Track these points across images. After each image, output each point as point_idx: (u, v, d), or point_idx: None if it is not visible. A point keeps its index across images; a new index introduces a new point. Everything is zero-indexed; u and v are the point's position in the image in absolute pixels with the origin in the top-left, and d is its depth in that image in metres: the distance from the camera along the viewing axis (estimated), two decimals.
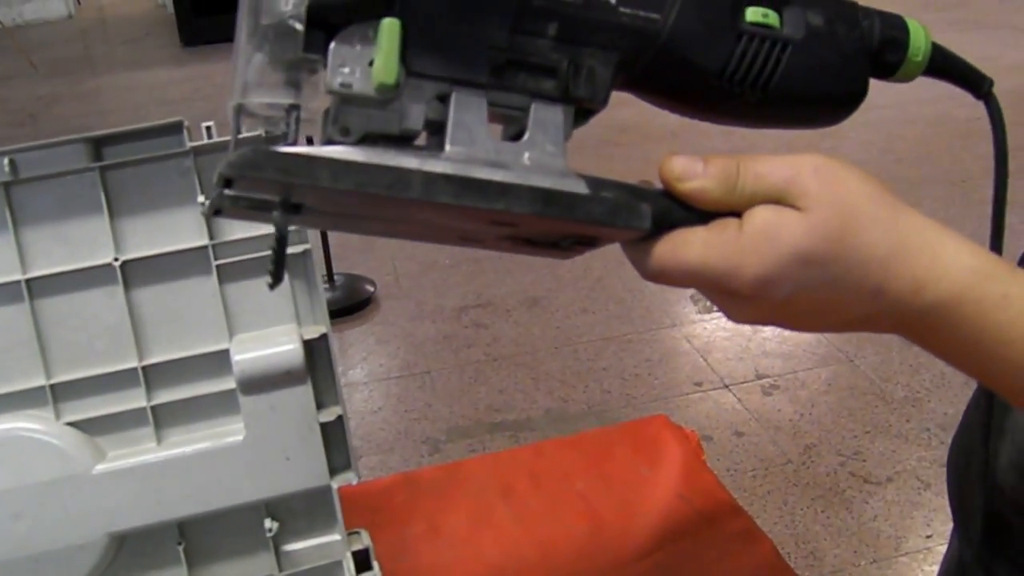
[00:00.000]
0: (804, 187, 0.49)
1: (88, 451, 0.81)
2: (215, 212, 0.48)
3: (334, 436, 0.83)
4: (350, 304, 3.36)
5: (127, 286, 0.80)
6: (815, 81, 0.54)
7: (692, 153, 0.51)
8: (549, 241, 0.52)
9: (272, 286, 0.45)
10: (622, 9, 0.49)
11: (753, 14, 0.52)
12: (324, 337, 0.80)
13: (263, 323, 0.82)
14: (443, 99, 0.48)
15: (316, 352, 0.81)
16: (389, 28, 0.45)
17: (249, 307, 0.81)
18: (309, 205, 0.47)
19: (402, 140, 0.48)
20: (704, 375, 3.00)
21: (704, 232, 0.50)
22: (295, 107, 0.48)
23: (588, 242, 0.52)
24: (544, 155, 0.50)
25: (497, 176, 0.47)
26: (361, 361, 3.09)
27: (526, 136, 0.50)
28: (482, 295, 3.46)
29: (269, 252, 0.46)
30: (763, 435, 2.72)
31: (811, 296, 0.49)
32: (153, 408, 0.83)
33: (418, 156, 0.47)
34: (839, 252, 0.48)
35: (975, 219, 3.31)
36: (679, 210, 0.51)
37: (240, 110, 0.48)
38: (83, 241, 0.78)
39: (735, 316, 0.52)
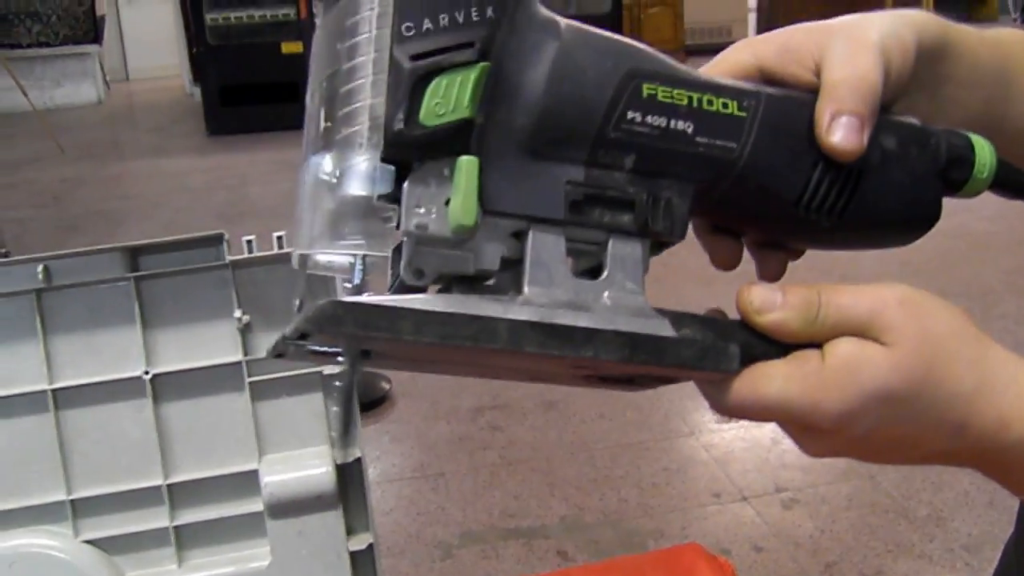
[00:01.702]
0: (889, 321, 0.47)
1: (106, 571, 0.78)
2: (276, 356, 0.46)
3: (362, 565, 0.80)
4: (365, 401, 3.32)
5: (156, 400, 0.78)
6: (890, 206, 0.53)
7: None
8: (625, 378, 0.51)
9: (342, 438, 0.42)
10: (699, 139, 0.48)
11: None
12: (358, 461, 0.77)
13: (295, 443, 0.79)
14: (518, 236, 0.47)
15: (349, 476, 0.78)
16: (468, 168, 0.44)
17: (281, 426, 0.79)
18: (380, 352, 0.45)
19: (477, 281, 0.47)
20: (722, 486, 2.93)
21: (784, 366, 0.48)
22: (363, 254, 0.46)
23: (667, 380, 0.51)
24: (624, 293, 0.48)
25: (581, 321, 0.46)
26: (374, 460, 3.03)
27: (605, 274, 0.48)
28: (499, 397, 3.41)
29: (335, 408, 0.44)
30: (783, 551, 2.65)
31: (891, 431, 0.48)
32: (176, 528, 0.80)
33: (499, 302, 0.45)
34: (923, 389, 0.47)
35: (996, 333, 3.26)
36: (758, 343, 0.49)
37: (306, 260, 0.46)
38: (113, 352, 0.76)
39: (810, 450, 0.51)
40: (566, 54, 0.45)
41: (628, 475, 2.96)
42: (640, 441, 3.14)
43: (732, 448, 3.08)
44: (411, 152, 0.44)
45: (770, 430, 3.07)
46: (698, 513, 2.78)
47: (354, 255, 0.46)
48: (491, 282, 0.47)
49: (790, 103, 0.50)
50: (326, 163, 0.45)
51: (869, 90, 0.50)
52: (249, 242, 0.73)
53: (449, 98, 0.43)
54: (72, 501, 0.78)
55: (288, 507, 0.77)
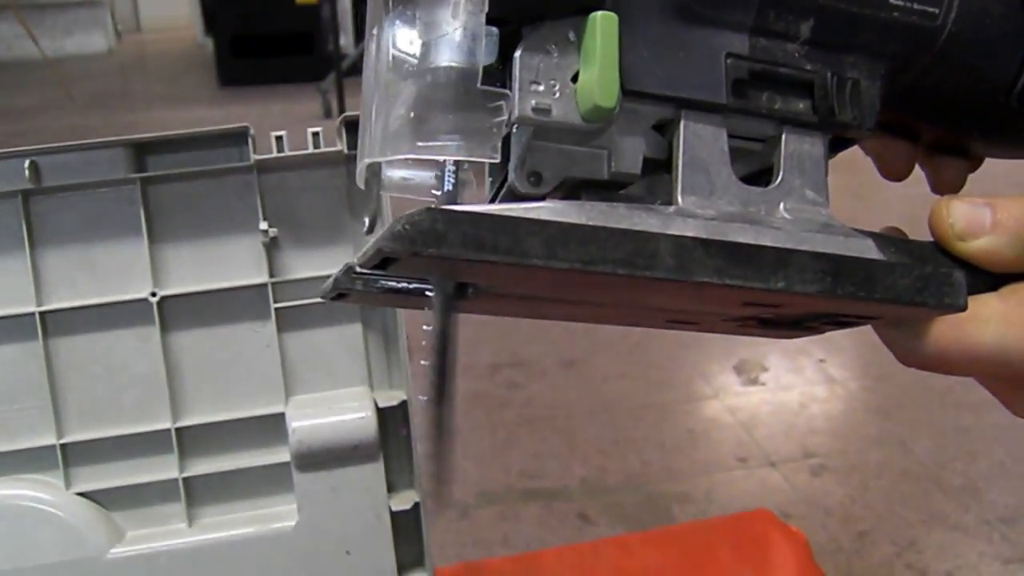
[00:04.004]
0: None
1: (103, 530, 0.68)
2: (336, 297, 0.37)
3: (406, 527, 0.69)
4: None
5: (165, 328, 0.67)
6: None
7: None
8: (795, 320, 0.40)
9: (437, 404, 0.30)
10: (892, 0, 0.37)
11: None
12: (403, 405, 0.67)
13: (328, 383, 0.69)
14: (662, 128, 0.36)
15: (392, 423, 0.68)
16: (605, 26, 0.32)
17: (312, 362, 0.69)
18: (483, 286, 0.33)
19: (610, 189, 0.36)
20: (748, 450, 2.87)
21: (999, 304, 0.38)
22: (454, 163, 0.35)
23: (845, 323, 0.40)
24: (804, 204, 0.38)
25: (765, 239, 0.35)
26: None
27: (778, 179, 0.38)
28: (516, 353, 3.34)
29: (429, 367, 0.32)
30: (812, 519, 2.58)
31: None
32: (186, 480, 0.69)
33: (656, 213, 0.34)
34: None
35: None
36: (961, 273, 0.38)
37: (376, 175, 0.35)
38: (114, 269, 0.66)
39: None
40: None
41: (651, 437, 2.90)
42: (663, 402, 3.08)
43: (758, 411, 3.02)
44: (525, 6, 0.33)
45: (798, 393, 3.01)
46: (724, 477, 2.71)
47: (447, 161, 0.34)
48: (622, 192, 0.37)
49: None
50: (403, 30, 0.33)
51: None
52: (279, 139, 0.62)
53: None
54: (63, 446, 0.68)
55: (320, 458, 0.67)
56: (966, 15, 0.39)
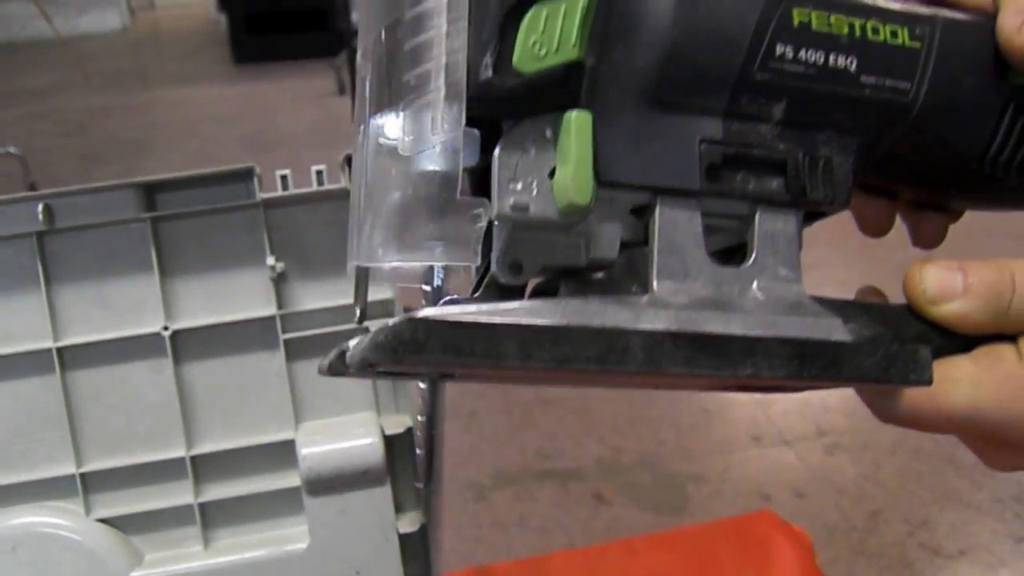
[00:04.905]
0: None
1: (122, 554, 0.70)
2: (332, 375, 0.38)
3: (413, 548, 0.71)
4: None
5: (177, 360, 0.69)
6: None
7: None
8: (773, 386, 0.41)
9: (425, 485, 0.33)
10: (864, 78, 0.38)
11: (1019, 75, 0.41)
12: (409, 432, 0.68)
13: (336, 410, 0.70)
14: (639, 212, 0.37)
15: (398, 448, 0.69)
16: (579, 126, 0.33)
17: (320, 390, 0.70)
18: (469, 372, 0.35)
19: (589, 273, 0.37)
20: (763, 429, 2.86)
21: (970, 367, 0.39)
22: None
23: (823, 385, 0.41)
24: (777, 282, 0.39)
25: (733, 326, 0.36)
26: None
27: (752, 258, 0.39)
28: None
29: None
30: (826, 498, 2.58)
31: None
32: (201, 506, 0.71)
33: (627, 306, 0.35)
34: None
35: None
36: (933, 335, 0.40)
37: (366, 273, 0.37)
38: (128, 305, 0.68)
39: (998, 465, 0.43)
40: None
41: (665, 416, 2.90)
42: None
43: None
44: (503, 108, 0.34)
45: None
46: (738, 457, 2.72)
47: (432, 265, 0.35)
48: (600, 275, 0.38)
49: (970, 30, 0.41)
50: (387, 133, 0.35)
51: None
52: (284, 177, 0.64)
53: (551, 33, 0.33)
54: (83, 475, 0.70)
55: (329, 483, 0.69)
56: (938, 88, 0.40)
